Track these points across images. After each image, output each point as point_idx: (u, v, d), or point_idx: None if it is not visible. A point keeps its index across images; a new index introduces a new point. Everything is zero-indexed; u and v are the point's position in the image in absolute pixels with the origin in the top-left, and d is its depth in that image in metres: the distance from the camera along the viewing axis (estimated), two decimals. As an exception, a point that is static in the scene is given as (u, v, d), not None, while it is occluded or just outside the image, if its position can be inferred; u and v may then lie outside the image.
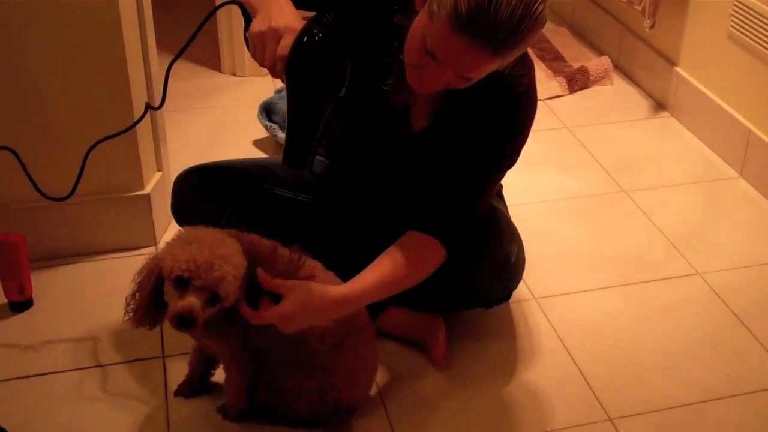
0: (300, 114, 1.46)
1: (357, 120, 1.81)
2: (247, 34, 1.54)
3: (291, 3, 1.51)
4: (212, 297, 1.47)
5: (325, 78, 1.43)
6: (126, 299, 1.57)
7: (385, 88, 1.71)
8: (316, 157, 2.04)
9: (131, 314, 1.56)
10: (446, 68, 1.49)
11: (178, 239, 1.52)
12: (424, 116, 1.74)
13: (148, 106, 1.71)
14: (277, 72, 1.47)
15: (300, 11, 1.53)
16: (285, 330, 1.56)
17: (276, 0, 1.49)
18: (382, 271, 1.66)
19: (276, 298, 1.55)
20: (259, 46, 1.48)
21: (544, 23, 1.45)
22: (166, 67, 1.62)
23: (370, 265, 1.66)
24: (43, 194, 1.83)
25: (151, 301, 1.53)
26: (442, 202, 1.72)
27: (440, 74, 1.51)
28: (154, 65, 2.12)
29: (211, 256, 1.45)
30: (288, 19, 1.47)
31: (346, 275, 1.69)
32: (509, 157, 1.75)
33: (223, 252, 1.47)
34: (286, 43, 1.43)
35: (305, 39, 1.41)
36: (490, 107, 1.68)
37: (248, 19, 1.55)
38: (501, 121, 1.70)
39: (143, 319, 1.55)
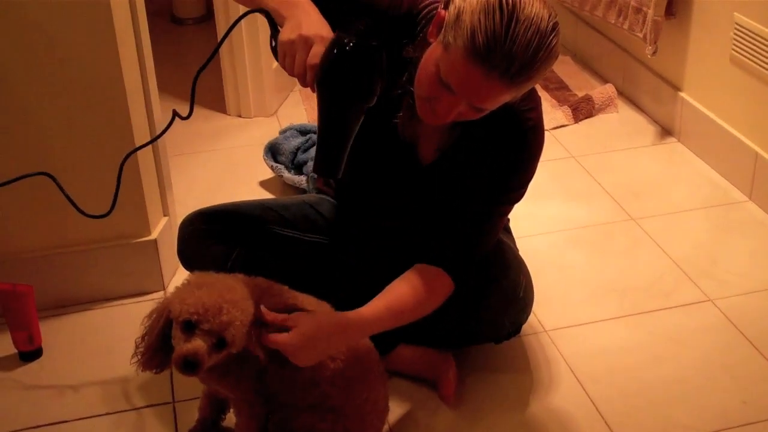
0: (331, 123, 1.45)
1: (365, 155, 1.81)
2: (273, 44, 1.54)
3: (318, 11, 1.51)
4: (219, 342, 1.46)
5: (357, 86, 1.42)
6: (135, 342, 1.57)
7: (396, 121, 1.71)
8: (324, 196, 2.04)
9: (138, 357, 1.56)
10: (460, 99, 1.49)
11: (188, 284, 1.52)
12: (432, 150, 1.74)
13: (176, 114, 1.70)
14: (308, 81, 1.46)
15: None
16: (296, 361, 1.55)
17: (303, 8, 1.49)
18: (391, 299, 1.65)
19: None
20: (288, 55, 1.47)
21: (557, 56, 1.46)
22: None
23: (379, 294, 1.66)
24: (84, 213, 1.81)
25: (159, 344, 1.53)
26: (450, 235, 1.72)
27: (453, 105, 1.51)
28: (154, 96, 2.13)
29: (219, 300, 1.45)
30: (318, 27, 1.46)
31: (350, 295, 1.68)
32: (517, 191, 1.75)
33: (232, 297, 1.47)
34: (317, 52, 1.43)
35: (337, 47, 1.40)
36: (499, 142, 1.68)
37: (274, 27, 1.55)
38: (509, 156, 1.70)
39: (150, 362, 1.55)
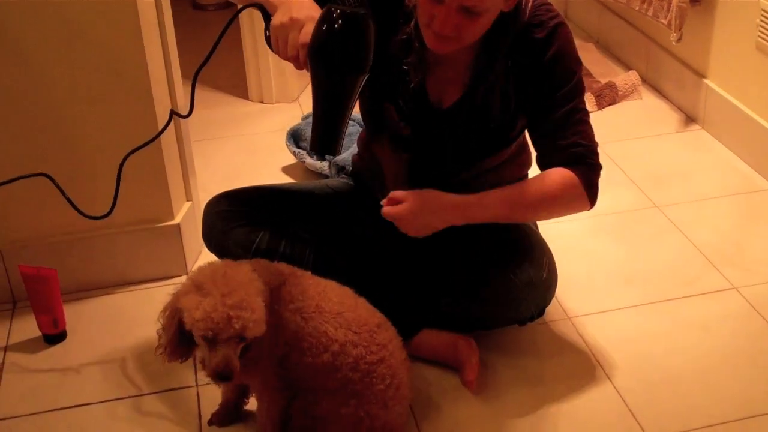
0: (326, 99, 1.45)
1: (383, 107, 1.80)
2: (267, 33, 1.54)
3: None
4: (242, 338, 1.47)
5: (350, 55, 1.42)
6: (157, 333, 1.57)
7: (405, 68, 1.72)
8: (346, 181, 2.04)
9: (162, 350, 1.57)
10: (450, 4, 1.52)
11: (190, 285, 1.50)
12: (456, 91, 1.75)
13: (173, 113, 1.70)
14: (301, 61, 1.47)
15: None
16: (408, 229, 1.67)
17: None
18: (509, 189, 1.71)
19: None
20: (281, 38, 1.48)
21: None
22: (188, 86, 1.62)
23: None
24: (83, 214, 1.83)
25: (178, 339, 1.53)
26: (558, 146, 1.73)
27: (447, 16, 1.54)
28: (177, 83, 2.14)
29: (224, 309, 1.43)
30: (308, 9, 1.48)
31: (365, 265, 1.71)
32: (575, 75, 1.74)
33: (236, 300, 1.45)
34: (308, 30, 1.44)
35: (325, 21, 1.41)
36: (528, 44, 1.69)
37: (267, 18, 1.55)
38: (545, 51, 1.69)
39: (173, 354, 1.57)
